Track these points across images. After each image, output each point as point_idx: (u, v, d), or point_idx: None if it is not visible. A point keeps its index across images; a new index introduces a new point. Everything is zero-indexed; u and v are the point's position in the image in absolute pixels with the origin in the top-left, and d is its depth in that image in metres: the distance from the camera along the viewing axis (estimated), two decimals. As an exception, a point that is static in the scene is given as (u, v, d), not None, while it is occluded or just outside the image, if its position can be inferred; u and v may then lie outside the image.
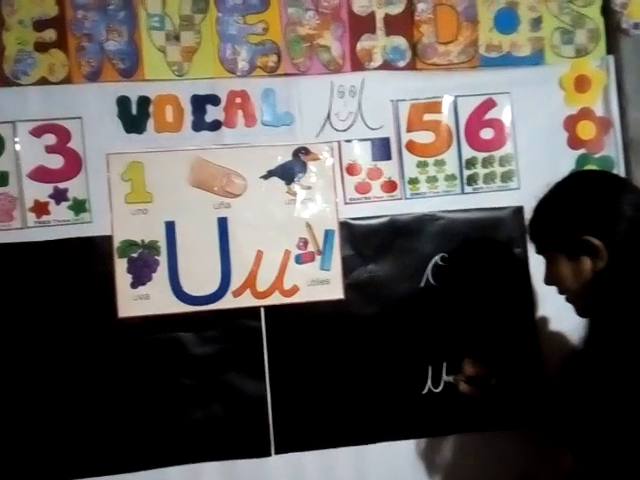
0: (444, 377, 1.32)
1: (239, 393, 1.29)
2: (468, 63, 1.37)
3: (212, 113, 1.30)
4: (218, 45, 1.30)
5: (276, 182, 1.32)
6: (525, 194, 1.36)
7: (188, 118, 1.30)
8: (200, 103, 1.30)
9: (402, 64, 1.36)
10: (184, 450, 1.28)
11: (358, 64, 1.35)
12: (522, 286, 1.36)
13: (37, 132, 1.26)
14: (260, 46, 1.32)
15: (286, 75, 1.33)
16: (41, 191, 1.26)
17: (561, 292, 1.05)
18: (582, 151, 1.39)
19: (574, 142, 1.39)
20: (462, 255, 1.36)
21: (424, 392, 1.34)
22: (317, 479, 1.31)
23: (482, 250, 1.36)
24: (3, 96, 1.25)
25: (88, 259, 1.27)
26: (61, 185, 1.27)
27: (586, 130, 1.39)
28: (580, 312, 1.02)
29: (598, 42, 1.40)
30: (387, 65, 1.35)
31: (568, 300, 1.04)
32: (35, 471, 1.24)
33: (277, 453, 1.30)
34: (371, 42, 1.34)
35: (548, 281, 1.07)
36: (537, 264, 1.34)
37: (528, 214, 1.34)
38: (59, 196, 1.26)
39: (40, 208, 1.26)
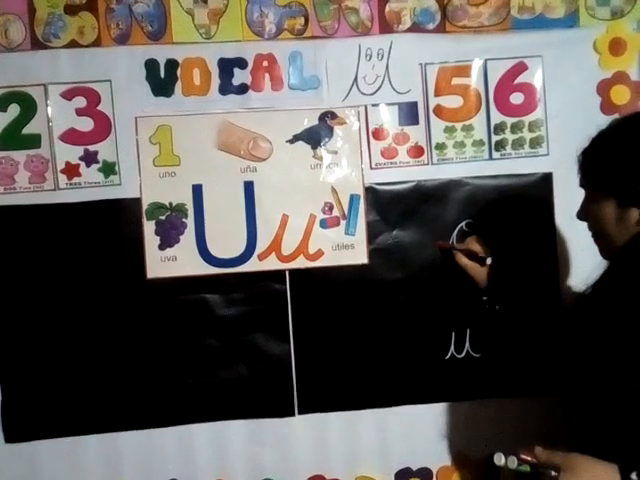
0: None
1: (264, 354, 1.31)
2: (499, 25, 1.34)
3: (239, 76, 1.30)
4: (245, 7, 1.29)
5: (302, 146, 1.32)
6: (554, 160, 1.35)
7: (215, 81, 1.30)
8: (227, 66, 1.29)
9: (431, 27, 1.33)
10: (210, 408, 1.31)
11: (386, 27, 1.33)
12: (549, 254, 1.35)
13: (68, 95, 1.27)
14: (287, 8, 1.30)
15: (313, 38, 1.31)
16: (72, 153, 1.28)
17: (592, 231, 0.99)
18: (616, 116, 1.35)
19: (608, 107, 1.35)
20: (488, 222, 1.34)
21: (447, 357, 1.35)
22: (339, 439, 1.33)
23: (509, 217, 1.35)
24: (35, 59, 1.26)
25: (117, 221, 1.29)
26: (91, 148, 1.28)
27: (620, 95, 1.35)
28: (605, 255, 0.97)
29: (634, 4, 1.35)
30: (416, 28, 1.33)
31: (596, 240, 0.99)
32: (66, 426, 1.29)
33: (300, 413, 1.32)
34: (400, 4, 1.32)
35: (582, 216, 1.00)
36: (564, 232, 1.35)
37: (557, 181, 1.35)
38: (89, 158, 1.28)
39: (71, 170, 1.28)
